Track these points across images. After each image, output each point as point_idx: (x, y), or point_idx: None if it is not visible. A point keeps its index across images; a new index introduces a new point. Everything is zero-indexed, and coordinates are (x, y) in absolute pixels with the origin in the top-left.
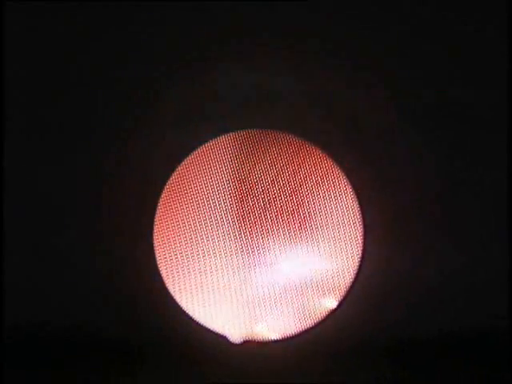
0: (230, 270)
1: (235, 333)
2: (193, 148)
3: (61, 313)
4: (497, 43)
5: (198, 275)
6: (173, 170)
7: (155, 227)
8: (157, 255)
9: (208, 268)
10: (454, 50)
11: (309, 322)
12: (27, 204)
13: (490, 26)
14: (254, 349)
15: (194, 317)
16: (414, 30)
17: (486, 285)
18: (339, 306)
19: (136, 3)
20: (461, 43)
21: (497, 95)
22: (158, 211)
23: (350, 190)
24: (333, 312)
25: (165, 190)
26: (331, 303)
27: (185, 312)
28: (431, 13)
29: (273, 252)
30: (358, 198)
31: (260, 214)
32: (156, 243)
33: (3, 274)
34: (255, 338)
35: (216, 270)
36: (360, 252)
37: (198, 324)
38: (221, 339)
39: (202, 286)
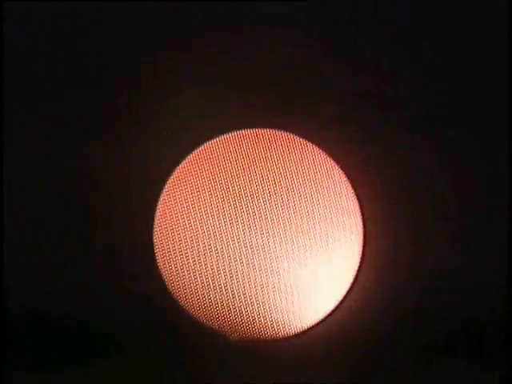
0: (229, 269)
1: (234, 331)
2: (192, 148)
3: (60, 311)
4: (497, 44)
5: (198, 274)
6: (172, 169)
7: (155, 226)
8: (157, 254)
9: (208, 267)
10: (455, 50)
11: (309, 322)
12: (27, 204)
13: (490, 27)
14: (253, 348)
15: (193, 315)
16: (414, 29)
17: (485, 285)
18: (339, 305)
19: (138, 4)
20: (461, 43)
21: (497, 96)
22: (158, 211)
23: (349, 189)
24: (333, 311)
25: (165, 190)
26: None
27: (184, 310)
28: (431, 12)
29: (273, 252)
30: (357, 197)
31: (260, 214)
32: (156, 242)
33: (2, 273)
34: (254, 336)
35: (216, 269)
36: (359, 252)
37: (197, 322)
38: (220, 337)
39: (201, 285)
